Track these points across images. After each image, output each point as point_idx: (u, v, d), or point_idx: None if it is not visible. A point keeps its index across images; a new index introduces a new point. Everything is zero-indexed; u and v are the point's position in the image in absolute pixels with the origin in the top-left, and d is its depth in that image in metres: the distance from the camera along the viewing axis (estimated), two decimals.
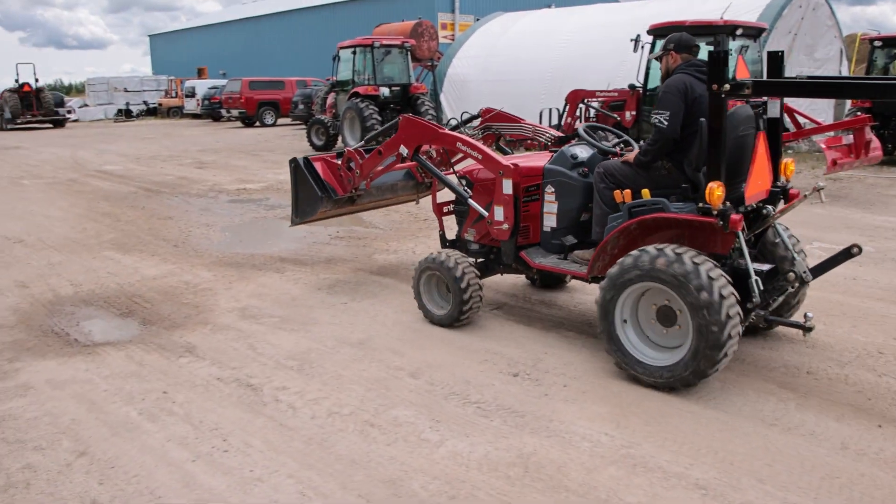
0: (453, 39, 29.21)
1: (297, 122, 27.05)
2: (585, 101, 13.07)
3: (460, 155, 5.51)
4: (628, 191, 4.37)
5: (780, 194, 4.38)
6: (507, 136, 6.53)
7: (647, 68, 11.92)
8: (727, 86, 3.72)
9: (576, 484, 3.18)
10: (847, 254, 4.17)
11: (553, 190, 4.96)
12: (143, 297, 6.12)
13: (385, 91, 16.96)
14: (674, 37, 4.66)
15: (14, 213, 10.53)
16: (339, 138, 17.81)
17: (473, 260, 5.31)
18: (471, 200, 5.28)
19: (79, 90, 68.32)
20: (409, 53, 17.68)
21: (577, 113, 13.26)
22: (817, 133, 11.51)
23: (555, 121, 13.54)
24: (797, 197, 4.34)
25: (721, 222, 3.85)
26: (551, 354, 4.62)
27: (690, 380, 3.95)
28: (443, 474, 3.26)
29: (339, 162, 6.10)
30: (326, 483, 3.21)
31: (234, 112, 30.72)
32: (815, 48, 16.41)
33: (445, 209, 5.78)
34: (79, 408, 4.05)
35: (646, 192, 4.29)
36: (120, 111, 41.28)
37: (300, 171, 6.05)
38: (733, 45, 11.12)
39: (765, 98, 4.43)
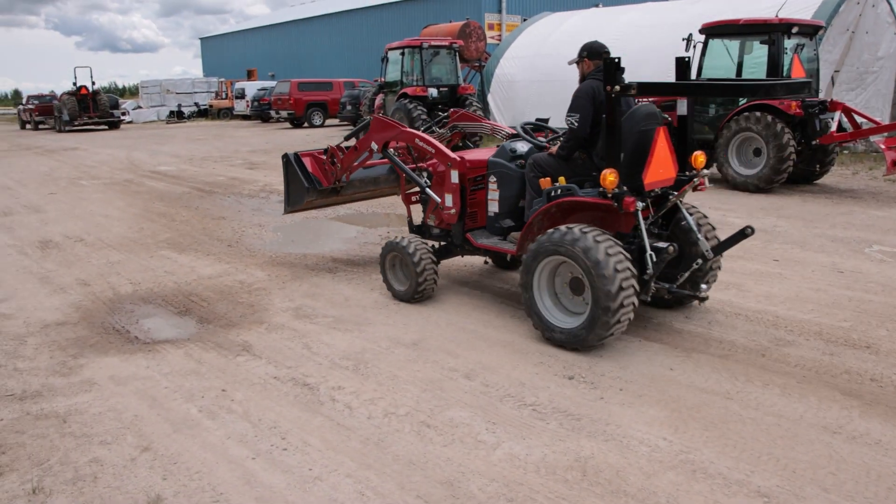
0: (500, 40, 29.16)
1: (345, 122, 27.31)
2: (636, 101, 12.89)
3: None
4: (548, 178, 5.02)
5: (690, 182, 4.87)
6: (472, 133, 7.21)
7: (700, 68, 11.71)
8: (618, 87, 4.40)
9: (635, 489, 3.14)
10: (742, 234, 4.71)
11: (495, 180, 5.61)
12: (200, 296, 6.24)
13: (433, 92, 17.02)
14: (586, 45, 5.23)
15: (74, 212, 10.85)
16: None
17: (431, 244, 5.96)
18: (427, 189, 5.94)
19: (132, 92, 70.09)
20: (457, 54, 17.72)
21: None
22: (876, 133, 11.21)
23: None
24: (702, 186, 4.91)
25: (616, 204, 4.48)
26: (606, 357, 4.58)
27: (591, 338, 4.54)
28: (500, 476, 3.26)
29: (325, 157, 6.74)
30: (384, 483, 3.23)
31: (283, 113, 31.15)
32: (878, 46, 15.93)
33: (413, 199, 6.43)
34: (141, 404, 4.15)
35: (561, 180, 4.96)
36: (172, 113, 42.25)
37: (290, 165, 6.75)
38: (788, 43, 10.88)
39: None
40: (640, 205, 4.53)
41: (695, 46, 11.68)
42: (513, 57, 21.30)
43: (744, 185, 10.85)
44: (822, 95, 12.32)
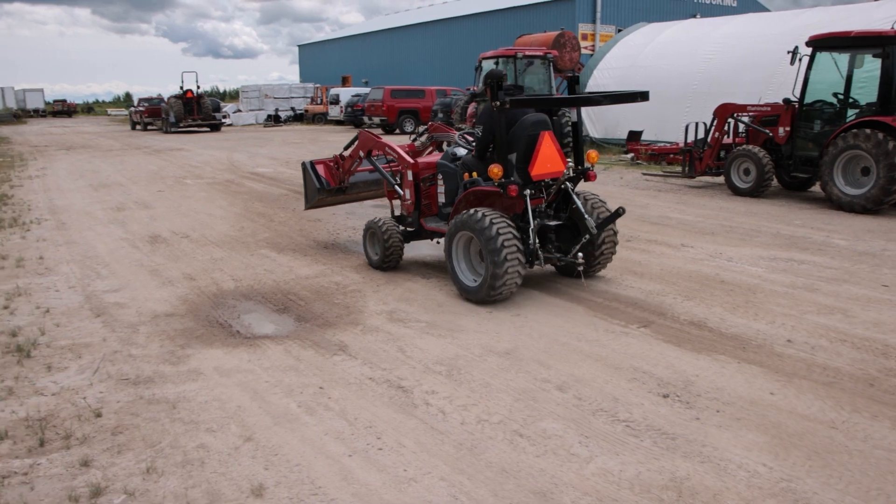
0: (594, 51, 28.89)
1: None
2: (735, 115, 12.55)
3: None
4: (466, 174, 6.51)
5: (581, 175, 6.30)
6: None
7: (805, 81, 11.29)
8: (498, 103, 5.88)
9: None
10: (616, 214, 5.95)
11: (441, 177, 7.00)
12: (298, 295, 6.45)
13: None
14: (488, 74, 6.34)
15: (180, 210, 11.38)
16: None
17: (401, 227, 7.36)
18: (396, 186, 7.44)
19: (232, 96, 72.80)
20: (551, 64, 17.62)
21: (726, 128, 12.73)
22: None
23: (700, 135, 13.12)
24: (594, 177, 6.38)
25: (501, 190, 5.91)
26: (703, 378, 4.48)
27: (486, 293, 5.90)
28: (593, 491, 3.24)
29: (332, 163, 8.30)
30: (478, 489, 3.27)
31: (376, 119, 31.75)
32: None
33: (395, 195, 7.65)
34: (243, 395, 4.33)
35: (475, 174, 6.42)
36: (269, 117, 43.66)
37: (307, 170, 8.32)
38: None
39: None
40: (527, 191, 5.97)
41: (800, 59, 11.29)
42: (607, 68, 21.08)
43: (849, 206, 10.37)
44: None
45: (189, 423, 3.97)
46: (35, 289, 6.72)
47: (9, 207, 11.70)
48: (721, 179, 12.84)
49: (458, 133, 7.41)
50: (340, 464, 3.52)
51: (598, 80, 20.96)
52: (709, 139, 12.80)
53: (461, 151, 6.94)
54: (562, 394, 4.28)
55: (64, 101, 72.30)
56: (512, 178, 6.02)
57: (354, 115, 35.48)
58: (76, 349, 5.14)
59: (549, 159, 6.07)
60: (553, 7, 36.53)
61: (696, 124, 13.31)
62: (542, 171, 6.05)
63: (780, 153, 11.80)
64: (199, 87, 34.61)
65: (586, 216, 6.05)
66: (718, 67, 17.92)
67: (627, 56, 20.89)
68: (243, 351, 5.09)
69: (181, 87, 33.98)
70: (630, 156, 16.64)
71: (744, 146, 11.96)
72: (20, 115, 58.62)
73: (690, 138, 13.36)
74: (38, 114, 64.32)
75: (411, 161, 7.19)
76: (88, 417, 4.04)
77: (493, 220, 5.76)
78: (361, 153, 7.82)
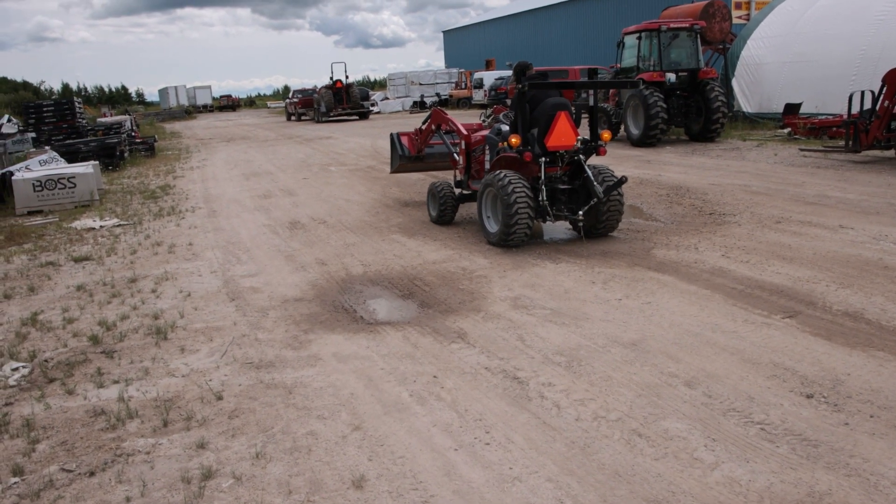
0: (748, 19, 27.00)
1: (580, 110, 26.88)
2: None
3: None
4: (502, 143, 7.60)
5: (594, 149, 7.49)
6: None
7: None
8: (520, 86, 7.28)
9: None
10: (619, 182, 7.12)
11: (488, 147, 8.14)
12: (423, 281, 6.41)
13: (671, 77, 16.09)
14: (517, 64, 7.94)
15: (321, 196, 11.73)
16: (622, 127, 17.31)
17: (457, 190, 8.97)
18: (455, 154, 9.08)
19: (382, 85, 74.80)
20: (698, 36, 16.56)
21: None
22: None
23: (867, 105, 11.85)
24: (603, 153, 7.53)
25: (519, 156, 7.23)
26: (855, 377, 3.97)
27: (500, 238, 7.27)
28: (715, 502, 2.91)
29: (414, 135, 9.93)
30: (586, 493, 3.03)
31: None
32: None
33: (457, 164, 9.13)
34: (358, 383, 4.31)
35: (504, 144, 7.50)
36: (415, 103, 44.43)
37: (393, 140, 10.19)
38: None
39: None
40: (543, 159, 7.20)
41: None
42: (762, 37, 19.60)
43: None
44: None
45: (302, 408, 4.00)
46: (181, 273, 7.10)
47: (169, 197, 12.55)
48: (891, 153, 11.55)
49: (502, 114, 8.70)
50: (445, 458, 3.40)
51: (752, 50, 19.53)
52: (877, 109, 11.53)
53: (505, 128, 7.91)
54: (690, 390, 3.93)
55: (229, 96, 77.31)
56: (529, 147, 7.24)
57: (498, 98, 35.26)
58: (208, 332, 5.35)
59: (563, 134, 7.22)
60: None
61: (863, 93, 12.05)
62: (556, 143, 7.24)
63: None
64: (347, 77, 35.78)
65: (595, 184, 7.15)
66: (892, 28, 16.15)
67: (785, 23, 19.30)
68: (363, 337, 5.09)
69: (331, 78, 35.27)
70: (787, 130, 15.38)
71: None
72: (191, 111, 63.25)
73: (856, 109, 12.11)
74: (206, 109, 69.13)
75: (465, 133, 8.74)
76: (210, 400, 4.16)
77: (511, 180, 7.07)
78: (433, 127, 9.39)
